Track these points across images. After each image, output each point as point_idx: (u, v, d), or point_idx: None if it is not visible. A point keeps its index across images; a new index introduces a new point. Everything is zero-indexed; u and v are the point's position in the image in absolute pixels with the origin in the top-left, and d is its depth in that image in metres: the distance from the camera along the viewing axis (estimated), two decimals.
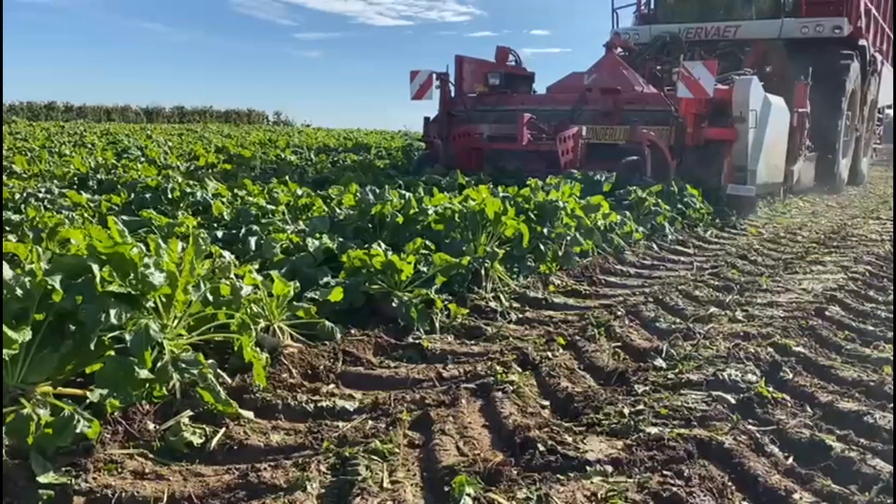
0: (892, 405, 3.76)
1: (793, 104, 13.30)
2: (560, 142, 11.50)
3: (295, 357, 4.23)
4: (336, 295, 4.65)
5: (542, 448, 3.16)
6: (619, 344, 4.92)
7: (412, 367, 4.42)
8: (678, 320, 5.52)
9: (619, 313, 5.74)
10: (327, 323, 4.63)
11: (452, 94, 14.11)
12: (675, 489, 2.82)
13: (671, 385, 4.05)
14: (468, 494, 2.76)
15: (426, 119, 14.40)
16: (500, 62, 14.95)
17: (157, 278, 3.37)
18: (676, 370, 4.27)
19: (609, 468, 3.03)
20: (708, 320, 5.48)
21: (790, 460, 3.21)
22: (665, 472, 3.00)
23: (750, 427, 3.46)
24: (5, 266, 3.22)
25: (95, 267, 3.23)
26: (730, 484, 2.95)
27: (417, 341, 4.80)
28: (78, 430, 2.82)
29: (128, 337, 3.19)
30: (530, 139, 11.94)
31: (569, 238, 7.48)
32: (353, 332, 4.79)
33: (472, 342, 5.01)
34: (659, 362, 4.41)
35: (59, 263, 3.29)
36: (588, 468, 3.02)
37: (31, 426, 2.77)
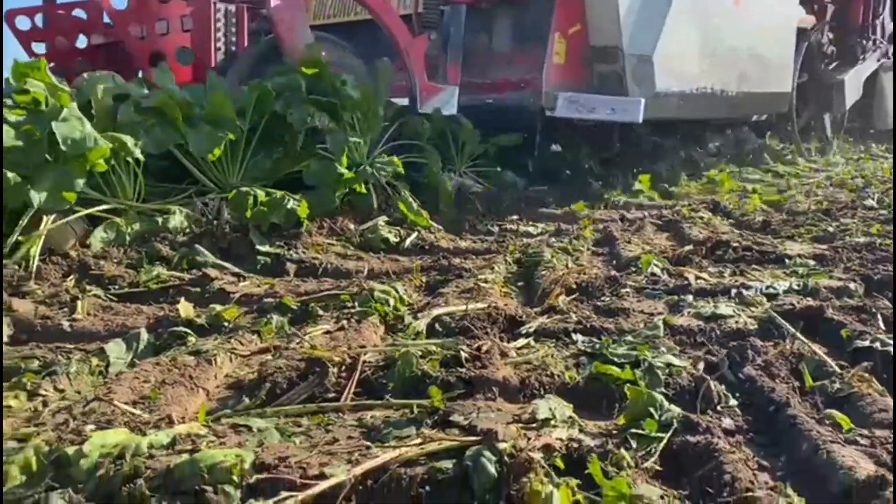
0: None
1: None
2: None
3: (480, 196, 4.35)
4: (514, 139, 4.70)
5: (734, 246, 3.04)
6: (822, 198, 4.58)
7: (597, 211, 4.40)
8: None
9: (824, 185, 5.37)
10: (509, 173, 4.71)
11: None
12: (886, 274, 2.60)
13: (883, 219, 3.71)
14: (656, 265, 2.72)
15: None
16: None
17: (354, 93, 3.60)
18: (891, 209, 3.92)
19: (811, 262, 2.85)
20: None
21: None
22: (875, 267, 2.77)
23: None
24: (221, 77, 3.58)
25: (301, 79, 3.50)
26: None
27: (606, 197, 4.77)
28: (289, 206, 3.11)
29: (328, 139, 3.45)
30: None
31: None
32: (536, 187, 4.87)
33: (661, 201, 4.88)
34: (870, 202, 4.07)
35: (271, 80, 3.60)
36: (787, 260, 2.87)
37: (249, 201, 3.08)
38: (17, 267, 2.57)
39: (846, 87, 7.37)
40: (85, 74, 3.07)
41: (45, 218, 2.72)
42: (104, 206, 2.91)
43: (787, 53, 6.54)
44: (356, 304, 2.38)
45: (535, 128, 4.80)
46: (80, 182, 2.60)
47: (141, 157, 2.89)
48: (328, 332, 2.14)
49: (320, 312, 2.32)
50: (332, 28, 5.46)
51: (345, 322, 2.20)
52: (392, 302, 2.40)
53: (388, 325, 2.27)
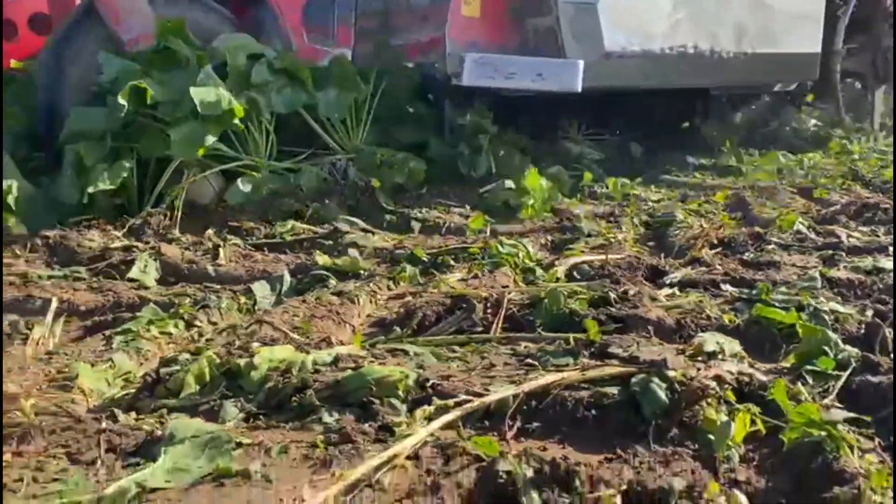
0: None
1: None
2: None
3: (598, 162, 4.27)
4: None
5: (884, 208, 2.84)
6: None
7: (723, 178, 4.22)
8: None
9: None
10: (628, 140, 4.60)
11: None
12: None
13: None
14: (801, 223, 2.59)
15: None
16: None
17: None
18: None
19: None
20: None
21: None
22: None
23: None
24: None
25: None
26: None
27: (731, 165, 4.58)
28: (411, 165, 3.14)
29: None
30: None
31: None
32: (652, 153, 4.72)
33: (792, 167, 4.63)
34: None
35: None
36: None
37: (377, 159, 3.12)
38: (162, 217, 2.70)
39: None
40: (221, 35, 3.17)
41: (186, 172, 2.85)
42: (239, 163, 3.01)
43: (814, 3, 4.77)
44: (485, 256, 2.37)
45: (441, 101, 3.75)
46: (211, 138, 2.71)
47: (271, 117, 2.97)
48: (462, 279, 2.13)
49: (451, 263, 2.33)
50: None
51: (477, 271, 2.19)
52: (521, 255, 2.38)
53: (520, 276, 2.24)
